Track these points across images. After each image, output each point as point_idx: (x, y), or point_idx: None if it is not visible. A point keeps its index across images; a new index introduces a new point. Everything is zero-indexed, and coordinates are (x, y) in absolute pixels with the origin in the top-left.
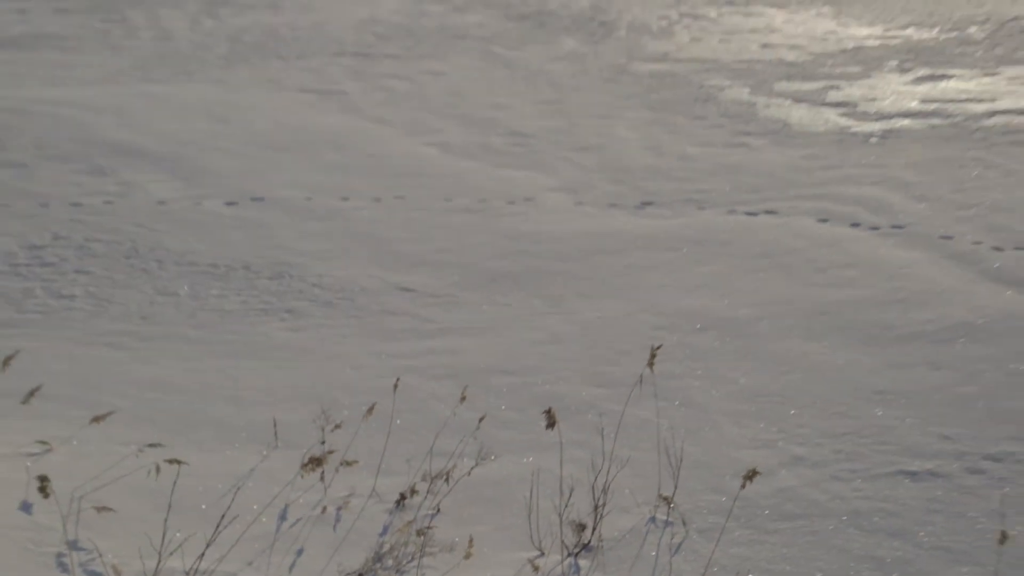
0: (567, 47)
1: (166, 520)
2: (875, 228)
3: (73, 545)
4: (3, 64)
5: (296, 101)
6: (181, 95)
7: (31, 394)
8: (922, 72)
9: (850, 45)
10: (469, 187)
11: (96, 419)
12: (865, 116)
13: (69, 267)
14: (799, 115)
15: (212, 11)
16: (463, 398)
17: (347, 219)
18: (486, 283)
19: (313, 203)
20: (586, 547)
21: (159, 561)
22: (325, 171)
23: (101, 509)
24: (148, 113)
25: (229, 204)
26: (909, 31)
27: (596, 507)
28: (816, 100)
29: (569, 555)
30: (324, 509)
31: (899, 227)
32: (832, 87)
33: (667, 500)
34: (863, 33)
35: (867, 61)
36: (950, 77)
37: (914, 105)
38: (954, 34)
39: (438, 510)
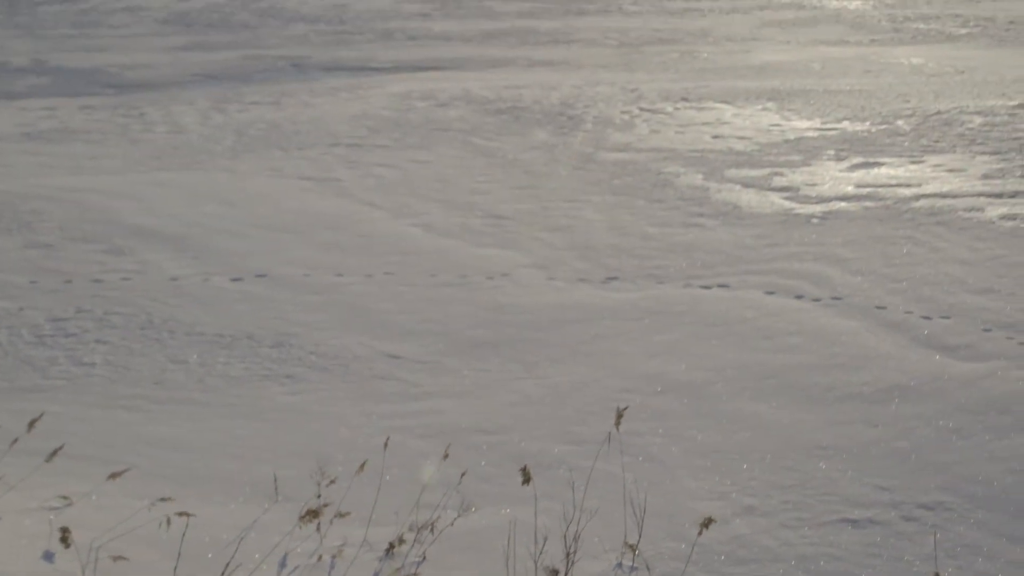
0: (539, 138)
1: (175, 568)
2: (817, 299)
3: None
4: (34, 155)
5: (296, 187)
6: (192, 182)
7: (54, 453)
8: (856, 160)
9: (792, 136)
10: (451, 264)
11: (113, 475)
12: (806, 199)
13: (90, 337)
14: (747, 198)
15: (221, 107)
16: (446, 455)
17: (341, 293)
18: (467, 350)
19: (311, 279)
20: None
21: None
22: (321, 250)
23: (117, 558)
24: (162, 198)
25: (235, 280)
26: (844, 124)
27: (568, 554)
28: (762, 185)
29: None
30: (320, 557)
31: (838, 298)
32: (776, 173)
33: (632, 547)
34: (803, 126)
35: (807, 150)
36: (881, 164)
37: (850, 189)
38: (884, 127)
39: (424, 558)
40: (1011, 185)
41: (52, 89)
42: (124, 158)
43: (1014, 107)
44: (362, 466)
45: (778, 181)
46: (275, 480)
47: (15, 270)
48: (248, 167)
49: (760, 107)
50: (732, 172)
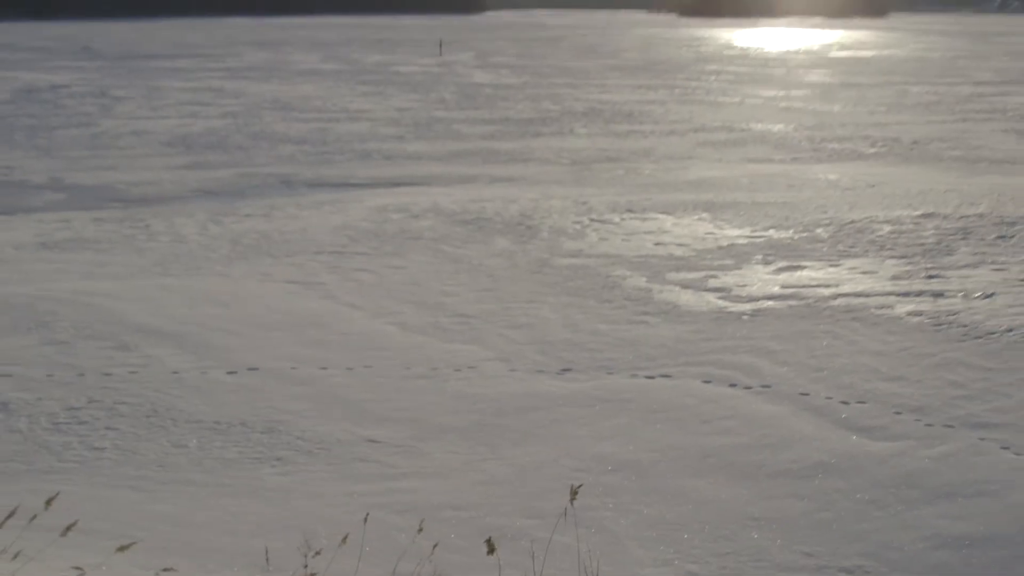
0: (501, 246)
1: None
2: (748, 387)
3: None
4: (49, 263)
5: (283, 290)
6: (191, 286)
7: (68, 528)
8: (781, 264)
9: (724, 243)
10: (423, 358)
11: (121, 548)
12: (738, 298)
13: (100, 424)
14: (686, 298)
15: (217, 220)
16: (420, 529)
17: (325, 384)
18: (438, 435)
19: (297, 371)
20: None
21: None
22: (307, 346)
23: None
24: (165, 301)
25: (230, 373)
26: (770, 232)
27: None
28: (699, 286)
29: None
30: None
31: (767, 386)
32: (711, 276)
33: None
34: (734, 234)
35: (738, 255)
36: (803, 268)
37: (776, 290)
38: (805, 234)
39: None
40: (917, 285)
41: (67, 204)
42: (130, 265)
43: (918, 216)
44: (344, 539)
45: (713, 282)
46: (266, 552)
47: (33, 364)
48: (241, 272)
49: (696, 217)
50: (672, 275)
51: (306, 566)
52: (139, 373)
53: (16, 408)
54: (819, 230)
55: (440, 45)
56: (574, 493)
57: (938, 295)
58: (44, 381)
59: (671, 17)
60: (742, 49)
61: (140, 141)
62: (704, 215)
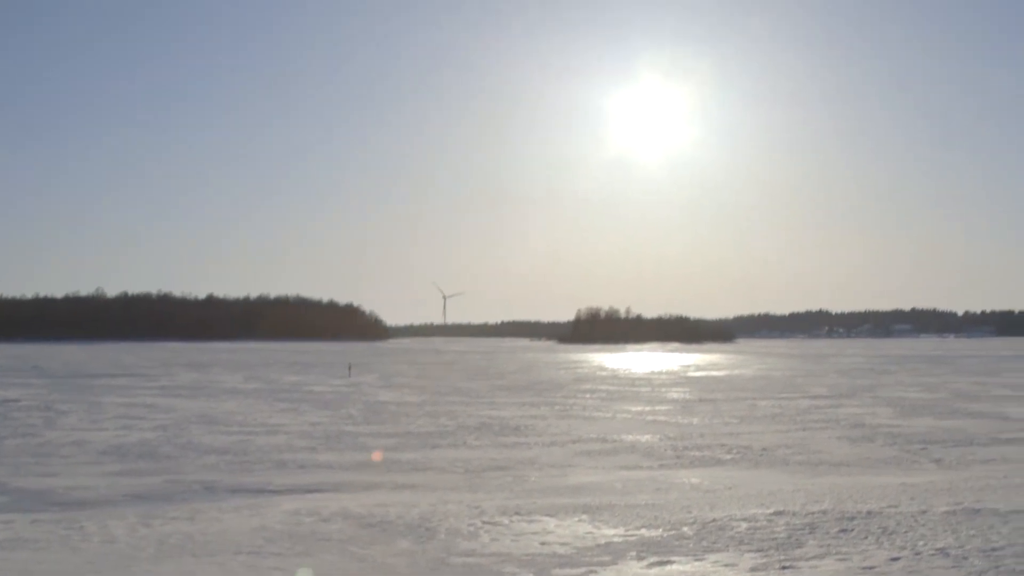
0: (403, 546)
1: None
2: None
3: None
4: None
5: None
6: None
7: None
8: (653, 559)
9: (602, 541)
10: None
11: None
12: None
13: None
14: None
15: (146, 521)
16: None
17: None
18: None
19: None
20: None
21: None
22: None
23: None
24: None
25: None
26: (642, 531)
27: None
28: None
29: None
30: None
31: None
32: (591, 571)
33: None
34: (611, 533)
35: (614, 552)
36: (672, 562)
37: None
38: (672, 532)
39: None
40: (773, 574)
41: (9, 506)
42: (64, 562)
43: (770, 514)
44: None
45: None
46: None
47: None
48: (167, 571)
49: (577, 519)
50: (556, 571)
51: None
52: None
53: None
54: (685, 528)
55: (349, 368)
56: None
57: None
58: None
59: (551, 343)
60: (613, 370)
61: (80, 450)
62: (583, 516)
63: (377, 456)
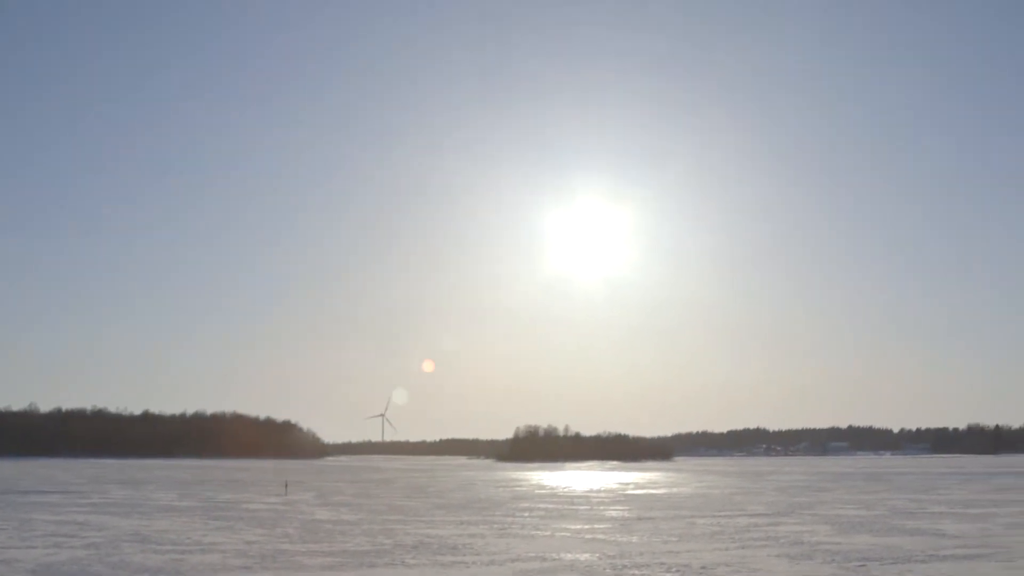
0: None
1: None
2: None
3: None
4: None
5: None
6: None
7: None
8: None
9: None
10: None
11: None
12: None
13: None
14: None
15: None
16: None
17: None
18: None
19: None
20: None
21: None
22: None
23: None
24: None
25: None
26: None
27: None
28: None
29: None
30: None
31: None
32: None
33: None
34: None
35: None
36: None
37: None
38: None
39: None
40: None
41: None
42: None
43: None
44: None
45: None
46: None
47: None
48: None
49: None
50: None
51: None
52: None
53: None
54: None
55: (286, 485)
56: None
57: None
58: None
59: (489, 461)
60: (551, 488)
61: (9, 569)
62: None
63: None
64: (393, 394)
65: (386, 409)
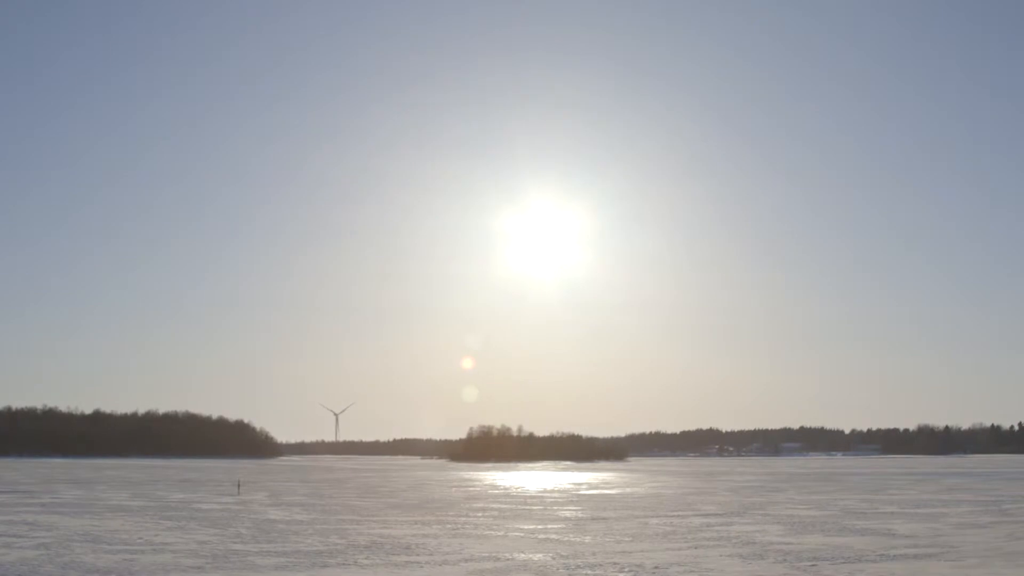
0: None
1: None
2: None
3: None
4: None
5: None
6: None
7: None
8: None
9: None
10: None
11: None
12: None
13: None
14: None
15: None
16: None
17: None
18: None
19: None
20: None
21: None
22: None
23: None
24: None
25: None
26: None
27: None
28: None
29: None
30: None
31: None
32: None
33: None
34: None
35: None
36: None
37: None
38: None
39: None
40: None
41: None
42: None
43: None
44: None
45: None
46: None
47: None
48: None
49: None
50: None
51: None
52: None
53: None
54: None
55: (238, 485)
56: None
57: None
58: None
59: (443, 461)
60: (504, 489)
61: None
62: None
63: None
64: (342, 396)
65: (338, 408)
